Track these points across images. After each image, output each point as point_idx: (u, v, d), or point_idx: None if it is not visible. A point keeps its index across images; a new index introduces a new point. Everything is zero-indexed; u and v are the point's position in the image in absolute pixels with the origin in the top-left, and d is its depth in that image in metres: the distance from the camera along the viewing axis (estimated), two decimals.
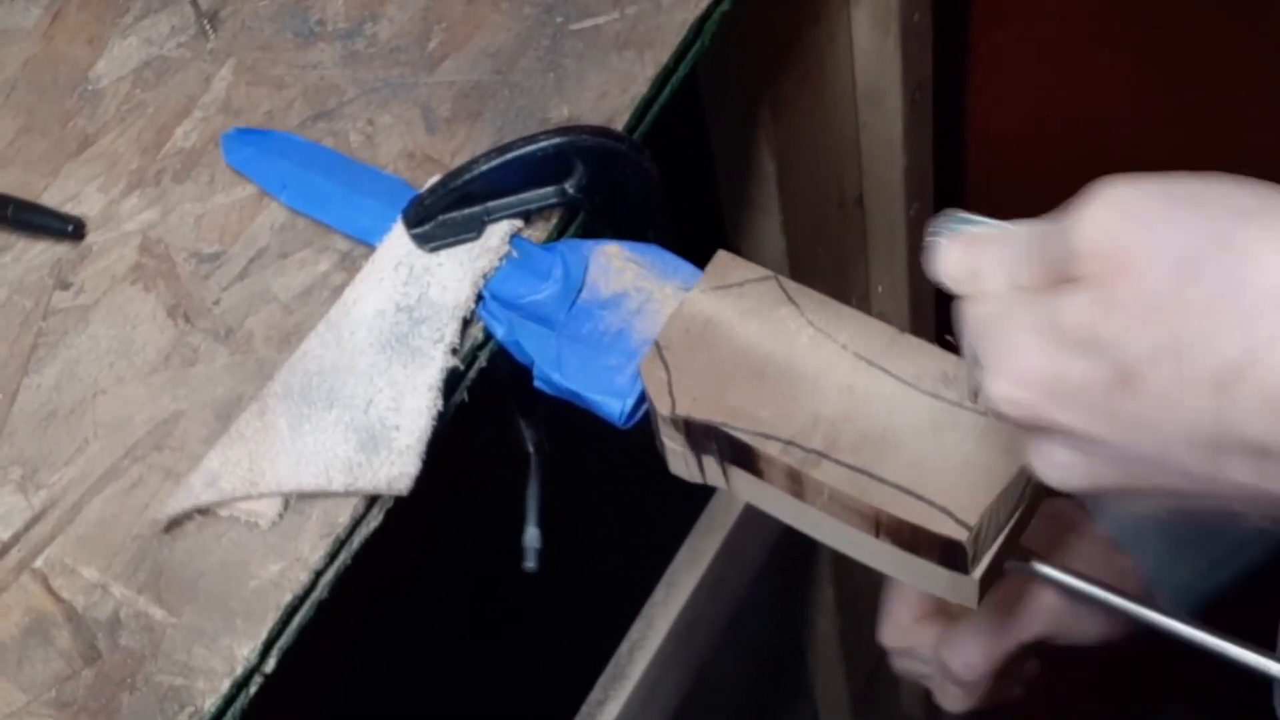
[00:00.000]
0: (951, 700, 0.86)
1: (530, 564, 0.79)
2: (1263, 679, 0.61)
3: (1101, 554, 0.85)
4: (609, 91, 0.79)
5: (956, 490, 0.60)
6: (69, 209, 0.81)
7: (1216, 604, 0.87)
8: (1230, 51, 1.13)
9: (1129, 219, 0.47)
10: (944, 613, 0.85)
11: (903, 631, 0.84)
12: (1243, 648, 0.62)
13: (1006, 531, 0.62)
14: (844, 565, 1.49)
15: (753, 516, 1.19)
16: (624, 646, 1.14)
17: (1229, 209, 0.47)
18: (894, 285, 1.32)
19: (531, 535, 0.79)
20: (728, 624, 1.26)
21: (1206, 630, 0.63)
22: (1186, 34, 1.14)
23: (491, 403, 0.75)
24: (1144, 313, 0.46)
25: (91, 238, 0.80)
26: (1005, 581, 0.66)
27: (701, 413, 0.65)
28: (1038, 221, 0.51)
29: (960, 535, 0.59)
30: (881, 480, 0.61)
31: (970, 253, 0.53)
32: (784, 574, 1.42)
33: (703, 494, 1.19)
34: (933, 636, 0.84)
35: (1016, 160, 1.32)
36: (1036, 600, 0.82)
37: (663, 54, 0.80)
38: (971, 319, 0.52)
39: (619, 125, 0.78)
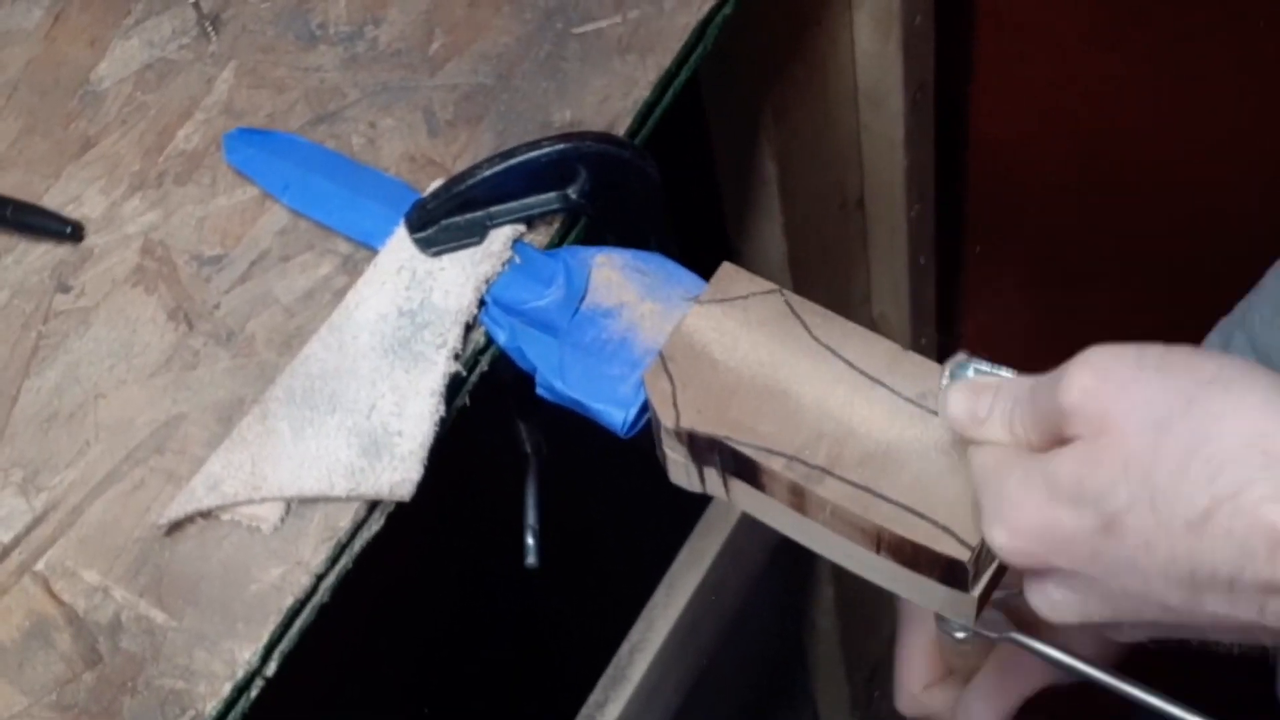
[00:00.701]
0: None
1: (531, 559, 0.79)
2: None
3: None
4: (611, 95, 0.79)
5: (958, 510, 0.61)
6: (70, 211, 0.81)
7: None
8: (1231, 54, 1.13)
9: (1107, 383, 0.54)
10: (953, 676, 0.86)
11: (916, 701, 0.86)
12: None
13: None
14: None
15: (753, 518, 1.19)
16: (624, 648, 1.14)
17: (1194, 375, 0.54)
18: (895, 287, 1.32)
19: (531, 530, 0.79)
20: (728, 625, 1.26)
21: (1183, 706, 0.65)
22: (1187, 36, 1.14)
23: (492, 405, 0.75)
24: (1123, 468, 0.53)
25: (93, 240, 0.80)
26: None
27: (706, 426, 0.65)
28: (1033, 378, 0.58)
29: (962, 555, 0.60)
30: (884, 498, 0.62)
31: (975, 402, 0.60)
32: (784, 574, 1.42)
33: (703, 496, 1.19)
34: (945, 702, 0.86)
35: (1018, 162, 1.32)
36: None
37: (665, 58, 0.80)
38: (976, 467, 0.59)
39: (621, 129, 0.78)
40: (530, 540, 0.79)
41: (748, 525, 1.20)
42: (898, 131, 1.18)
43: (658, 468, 0.71)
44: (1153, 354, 0.55)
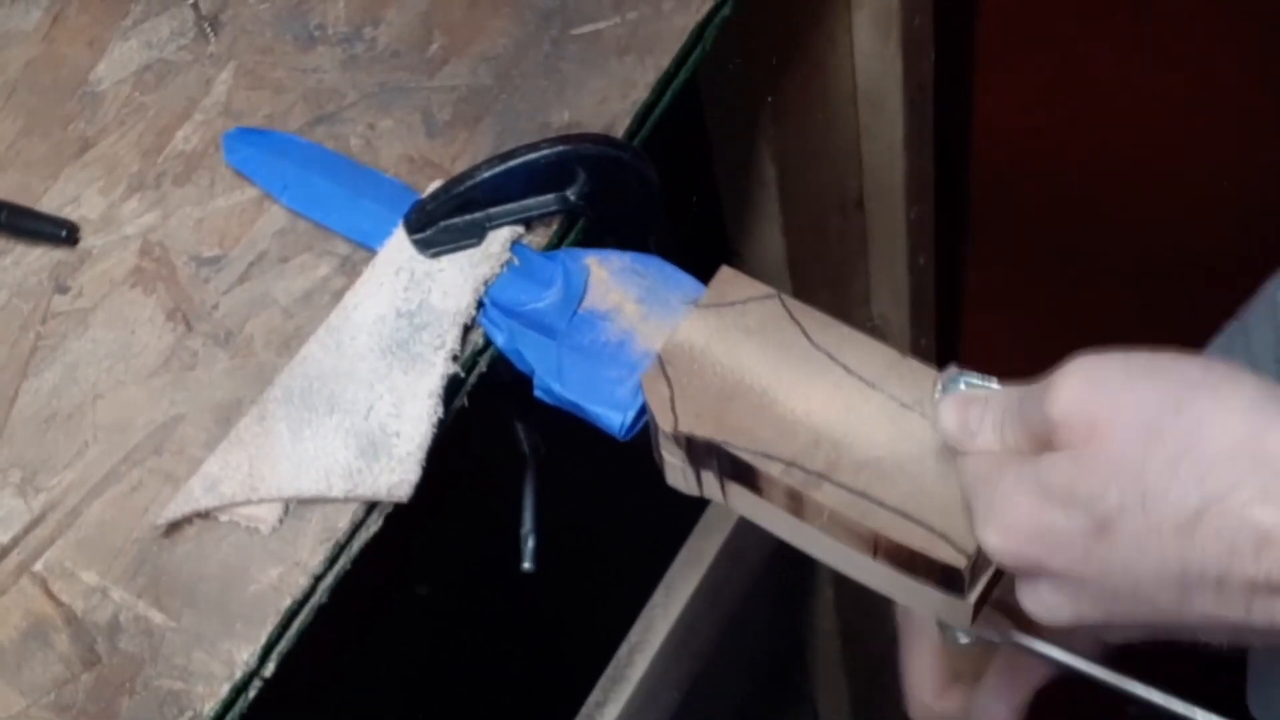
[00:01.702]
0: None
1: (528, 564, 0.79)
2: None
3: None
4: (609, 96, 0.79)
5: (955, 516, 0.61)
6: (69, 212, 0.81)
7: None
8: (1233, 51, 1.13)
9: (1095, 390, 0.55)
10: (961, 679, 0.87)
11: (930, 711, 0.87)
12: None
13: None
14: None
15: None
16: (623, 649, 1.14)
17: (1181, 379, 0.55)
18: (894, 288, 1.32)
19: (528, 535, 0.79)
20: (727, 626, 1.26)
21: (1184, 702, 0.65)
22: (1190, 36, 1.14)
23: (490, 406, 0.75)
24: (1114, 471, 0.54)
25: (91, 241, 0.80)
26: None
27: (704, 430, 0.65)
28: (1021, 388, 0.59)
29: (959, 562, 0.60)
30: (881, 504, 0.62)
31: (966, 413, 0.60)
32: (784, 575, 1.42)
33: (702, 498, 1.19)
34: (958, 707, 0.86)
35: (1017, 163, 1.32)
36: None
37: (663, 59, 0.80)
38: (967, 473, 0.60)
39: (620, 130, 0.78)
40: (530, 544, 0.79)
41: (747, 526, 1.19)
42: (897, 132, 1.18)
43: (657, 469, 0.71)
44: (1139, 360, 0.56)
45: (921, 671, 0.85)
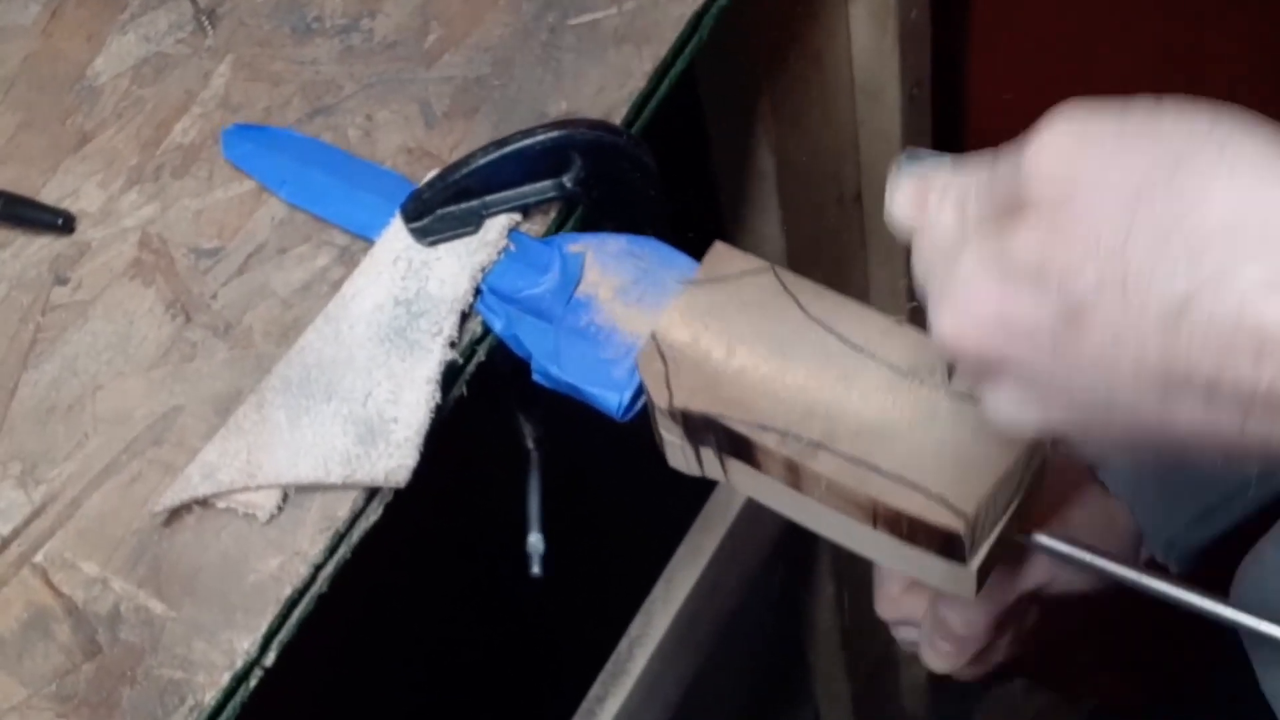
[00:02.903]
0: (939, 659, 0.83)
1: (535, 570, 0.79)
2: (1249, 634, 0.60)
3: (1096, 503, 0.83)
4: (607, 86, 0.79)
5: (953, 480, 0.60)
6: (67, 205, 0.81)
7: (1208, 556, 0.86)
8: (1231, 47, 1.13)
9: (1081, 144, 0.46)
10: None
11: (895, 603, 0.83)
12: (1234, 610, 0.62)
13: (1004, 522, 0.62)
14: (845, 563, 1.49)
15: (752, 513, 1.19)
16: (623, 643, 1.14)
17: (1184, 133, 0.45)
18: (893, 281, 1.32)
19: (535, 540, 0.79)
20: (728, 621, 1.26)
21: (1197, 592, 0.62)
22: (1187, 30, 1.14)
23: (491, 398, 0.75)
24: (1092, 245, 0.45)
25: (90, 233, 0.80)
26: None
27: (699, 405, 0.65)
28: (991, 152, 0.50)
29: (957, 526, 0.60)
30: (879, 471, 0.61)
31: (921, 187, 0.52)
32: (784, 571, 1.42)
33: (702, 490, 1.19)
34: (925, 603, 0.84)
35: None
36: (1031, 552, 0.80)
37: (660, 49, 0.80)
38: (921, 254, 0.51)
39: (617, 120, 0.78)
40: (539, 549, 0.78)
41: (747, 521, 1.20)
42: (895, 126, 1.18)
43: (656, 462, 0.71)
44: (1140, 110, 0.46)
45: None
